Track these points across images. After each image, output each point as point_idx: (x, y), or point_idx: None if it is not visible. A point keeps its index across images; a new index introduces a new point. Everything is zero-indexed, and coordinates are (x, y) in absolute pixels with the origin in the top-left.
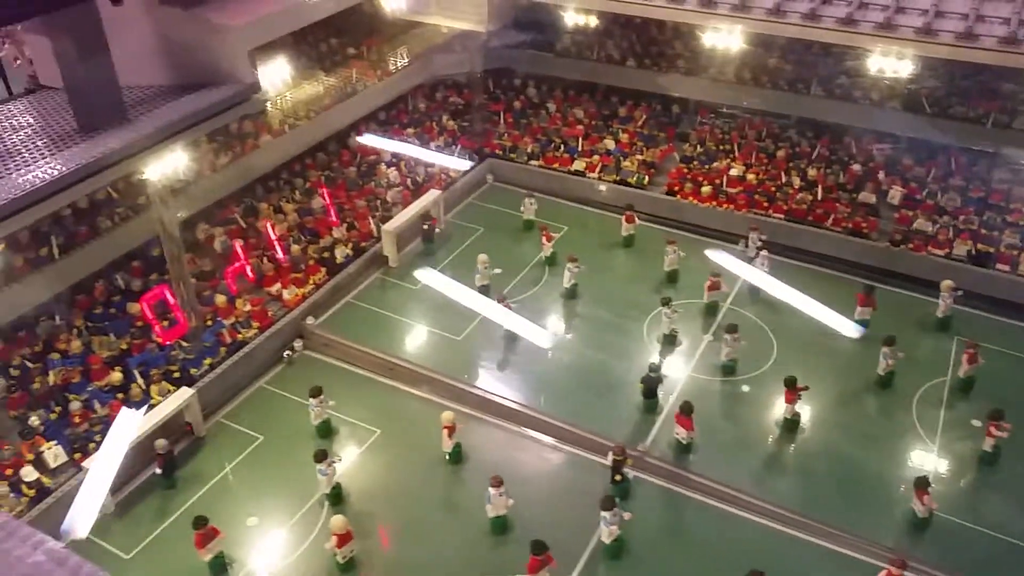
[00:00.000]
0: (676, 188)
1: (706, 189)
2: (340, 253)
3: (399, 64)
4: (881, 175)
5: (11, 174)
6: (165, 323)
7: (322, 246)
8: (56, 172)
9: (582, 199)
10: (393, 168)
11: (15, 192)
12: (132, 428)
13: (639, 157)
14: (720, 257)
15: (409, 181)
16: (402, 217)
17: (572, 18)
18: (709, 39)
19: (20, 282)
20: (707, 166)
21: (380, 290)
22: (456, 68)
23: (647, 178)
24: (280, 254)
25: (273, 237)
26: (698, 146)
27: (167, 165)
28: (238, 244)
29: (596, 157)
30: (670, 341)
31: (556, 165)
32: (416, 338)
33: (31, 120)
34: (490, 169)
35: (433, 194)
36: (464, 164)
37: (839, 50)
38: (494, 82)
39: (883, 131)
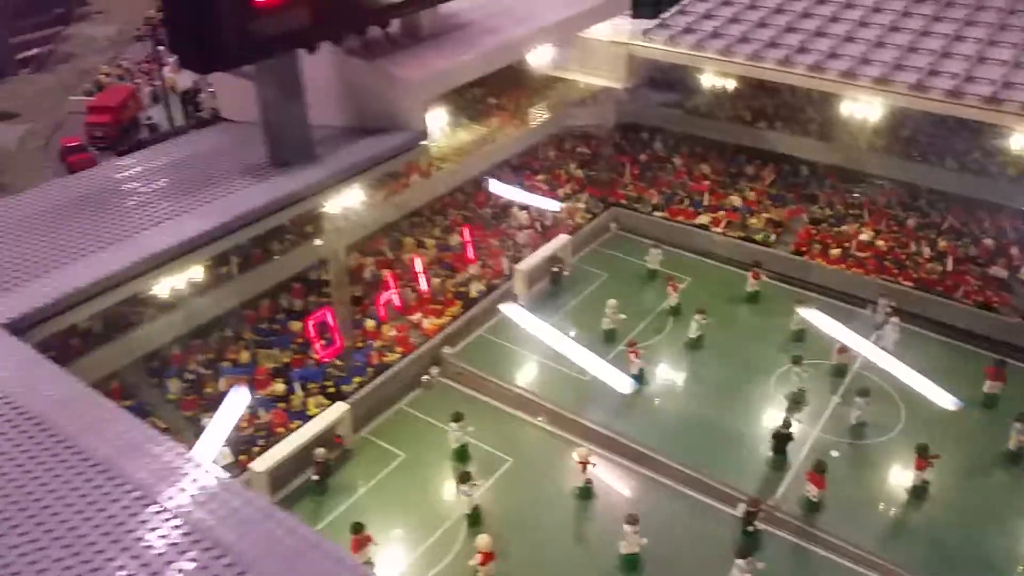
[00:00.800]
0: (804, 248)
1: (835, 251)
2: (474, 288)
3: (536, 115)
4: (1014, 251)
5: (215, 200)
6: (323, 342)
7: (458, 280)
8: (260, 202)
9: (705, 252)
10: (524, 211)
11: (225, 218)
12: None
13: (766, 215)
14: (811, 314)
15: (538, 225)
16: (533, 258)
17: (707, 79)
18: (847, 108)
19: (202, 295)
20: (836, 229)
21: (509, 326)
22: (588, 121)
23: (774, 236)
24: (423, 286)
25: (419, 269)
26: (827, 208)
27: (345, 200)
28: (388, 274)
29: (722, 212)
30: (798, 399)
31: (680, 218)
32: (543, 374)
33: (223, 151)
34: (614, 218)
35: (562, 239)
36: (555, 205)
37: (976, 125)
38: (622, 135)
39: (1018, 208)
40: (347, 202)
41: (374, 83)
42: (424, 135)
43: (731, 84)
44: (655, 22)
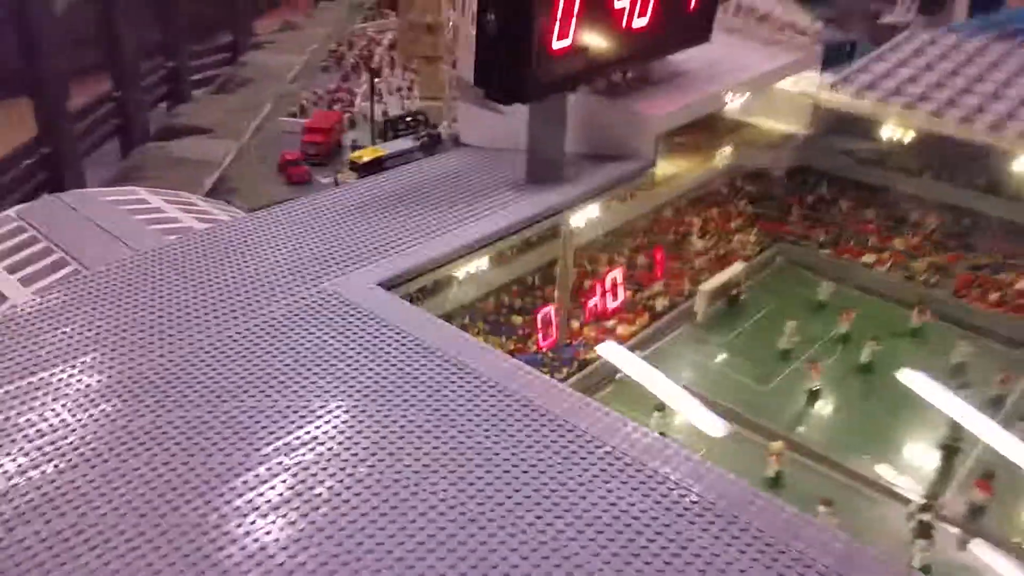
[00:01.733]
0: (963, 292)
1: (993, 296)
2: (660, 303)
3: (719, 155)
4: None
5: (495, 207)
6: (543, 334)
7: (646, 295)
8: (530, 212)
9: (867, 289)
10: (700, 240)
11: (509, 221)
12: None
13: (928, 259)
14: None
15: (713, 253)
16: (713, 281)
17: (882, 131)
18: (1016, 164)
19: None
20: (996, 275)
21: (689, 340)
22: (763, 163)
23: (936, 278)
24: (620, 296)
25: (619, 281)
26: (986, 256)
27: (578, 215)
28: (594, 282)
29: (886, 253)
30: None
31: (846, 256)
32: (723, 382)
33: (479, 169)
34: (779, 252)
35: (738, 265)
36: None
37: None
38: (792, 178)
39: None
40: (579, 217)
41: (615, 118)
42: (653, 163)
43: (901, 135)
44: (839, 77)
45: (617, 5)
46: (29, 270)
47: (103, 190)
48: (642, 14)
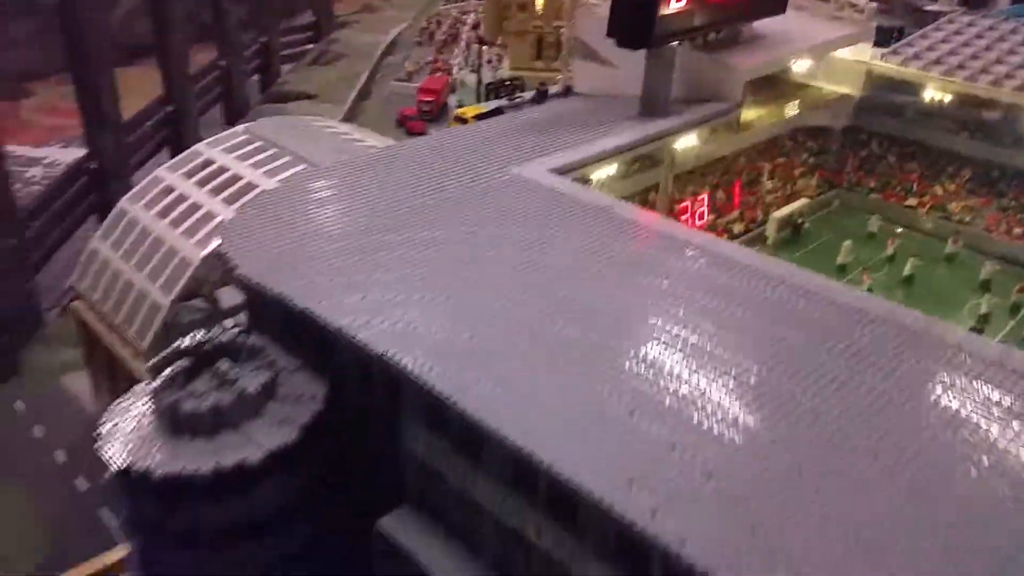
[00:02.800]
0: (991, 228)
1: (1017, 231)
2: (737, 228)
3: (786, 112)
4: None
5: (622, 130)
6: None
7: (727, 220)
8: (652, 131)
9: (911, 226)
10: (771, 181)
11: (636, 137)
12: None
13: (963, 202)
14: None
15: (781, 192)
16: (783, 211)
17: (926, 94)
18: None
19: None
20: (1019, 216)
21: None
22: (822, 121)
23: (969, 218)
24: (704, 218)
25: (705, 205)
26: (1012, 201)
27: (684, 143)
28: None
29: (927, 197)
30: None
31: (893, 200)
32: None
33: (596, 109)
34: (837, 196)
35: (803, 200)
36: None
37: None
38: (848, 134)
39: None
40: (680, 143)
41: (710, 68)
42: (739, 105)
43: (941, 99)
44: (889, 49)
45: None
46: (270, 166)
47: (302, 117)
48: None
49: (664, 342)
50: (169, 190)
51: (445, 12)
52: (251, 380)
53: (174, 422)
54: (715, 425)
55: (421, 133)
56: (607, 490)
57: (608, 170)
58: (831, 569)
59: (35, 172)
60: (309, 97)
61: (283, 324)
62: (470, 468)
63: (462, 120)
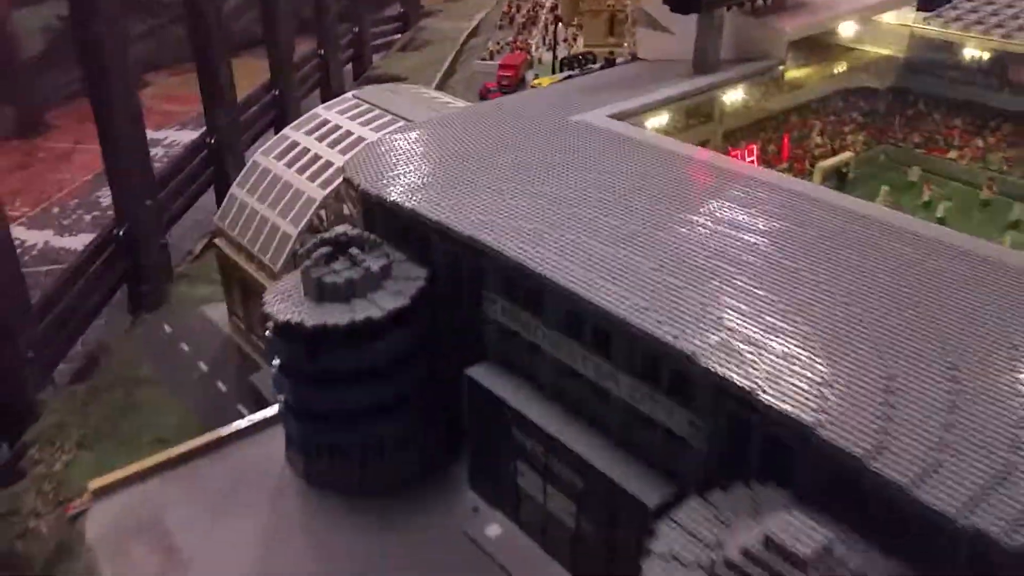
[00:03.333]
0: None
1: None
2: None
3: (834, 72)
4: None
5: (680, 82)
6: None
7: (776, 169)
8: (703, 83)
9: (952, 176)
10: (819, 137)
11: (689, 88)
12: None
13: (1001, 154)
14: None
15: (829, 147)
16: (829, 161)
17: (967, 53)
18: None
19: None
20: None
21: None
22: (868, 81)
23: (1007, 167)
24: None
25: (756, 154)
26: None
27: (733, 97)
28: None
29: (967, 149)
30: None
31: (936, 153)
32: None
33: (657, 69)
34: (883, 152)
35: (848, 154)
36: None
37: None
38: (895, 93)
39: None
40: (730, 96)
41: (756, 30)
42: (783, 62)
43: (981, 57)
44: (932, 13)
45: None
46: (375, 123)
47: (399, 85)
48: None
49: (691, 234)
50: (294, 145)
51: None
52: (374, 262)
53: (319, 291)
54: (719, 278)
55: None
56: (628, 313)
57: (661, 119)
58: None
59: (156, 151)
60: (401, 79)
61: (393, 227)
62: (534, 322)
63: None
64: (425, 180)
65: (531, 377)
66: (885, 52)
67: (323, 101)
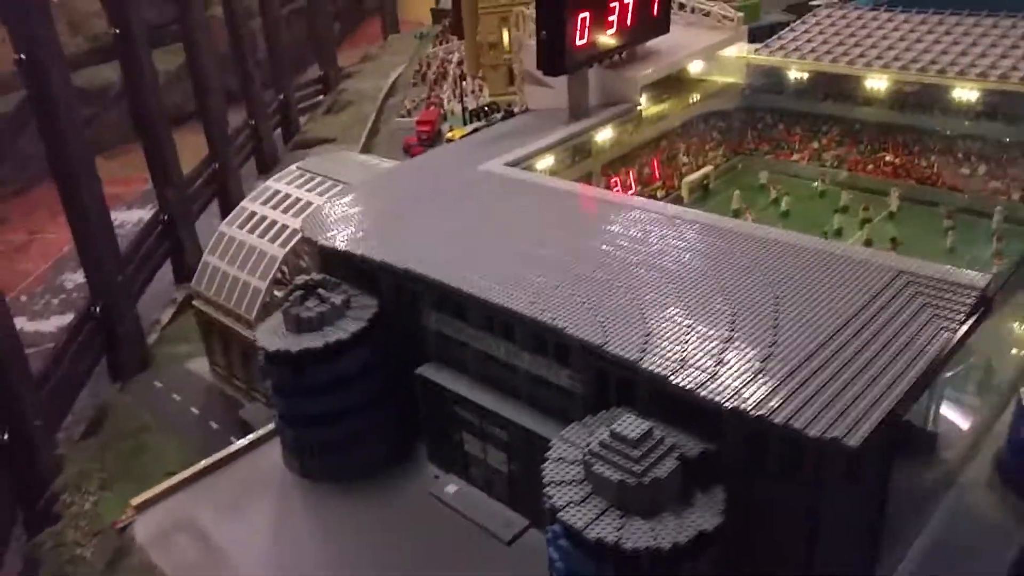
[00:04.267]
0: (851, 168)
1: (870, 167)
2: (659, 194)
3: (690, 102)
4: None
5: (559, 129)
6: None
7: (651, 188)
8: (576, 129)
9: (795, 175)
10: (686, 156)
11: (565, 134)
12: None
13: (832, 152)
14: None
15: (694, 163)
16: (693, 176)
17: (793, 75)
18: (883, 87)
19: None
20: (874, 155)
21: None
22: (721, 106)
23: (836, 162)
24: (633, 188)
25: (633, 179)
26: (868, 146)
27: (605, 136)
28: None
29: (805, 152)
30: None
31: (782, 157)
32: None
33: (544, 118)
34: (740, 161)
35: (708, 168)
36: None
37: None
38: (744, 113)
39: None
40: (601, 135)
41: (615, 79)
42: (638, 105)
43: (806, 78)
44: (762, 45)
45: (610, 19)
46: (319, 189)
47: (337, 153)
48: (623, 23)
49: (567, 250)
50: (252, 215)
51: (433, 54)
52: (337, 298)
53: (298, 324)
54: (587, 277)
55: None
56: (522, 307)
57: (548, 161)
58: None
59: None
60: (330, 141)
61: (346, 270)
62: (460, 325)
63: (451, 141)
64: (366, 231)
65: (463, 367)
66: (730, 80)
67: (258, 168)
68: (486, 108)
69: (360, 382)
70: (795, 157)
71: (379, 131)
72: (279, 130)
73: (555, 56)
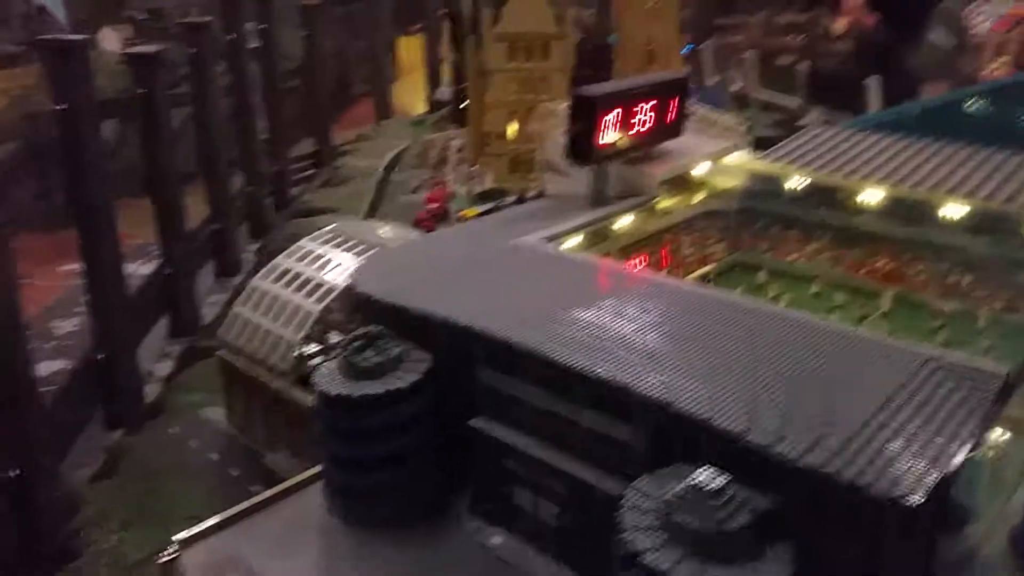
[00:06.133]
0: (852, 271)
1: (863, 271)
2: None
3: (694, 200)
4: None
5: (570, 219)
6: None
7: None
8: (600, 214)
9: (790, 274)
10: (688, 249)
11: (590, 218)
12: None
13: (828, 253)
14: None
15: (695, 256)
16: (695, 273)
17: (792, 183)
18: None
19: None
20: (871, 259)
21: None
22: (720, 206)
23: (833, 265)
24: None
25: (644, 264)
26: (862, 250)
27: (625, 221)
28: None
29: (803, 251)
30: None
31: (778, 256)
32: None
33: (564, 204)
34: (739, 257)
35: (711, 265)
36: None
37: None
38: (740, 215)
39: None
40: (619, 223)
41: (634, 174)
42: (656, 196)
43: (806, 185)
44: (764, 153)
45: (631, 121)
46: (355, 250)
47: (366, 221)
48: (644, 128)
49: (613, 314)
50: (287, 271)
51: (433, 140)
52: (393, 350)
53: (357, 372)
54: (634, 346)
55: (430, 229)
56: (583, 365)
57: (575, 240)
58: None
59: None
60: (331, 211)
61: (394, 323)
62: (515, 381)
63: (464, 219)
64: (416, 287)
65: (517, 421)
66: (731, 183)
67: (251, 233)
68: (495, 192)
69: (412, 431)
70: (791, 257)
71: (381, 205)
72: (269, 199)
73: (585, 149)
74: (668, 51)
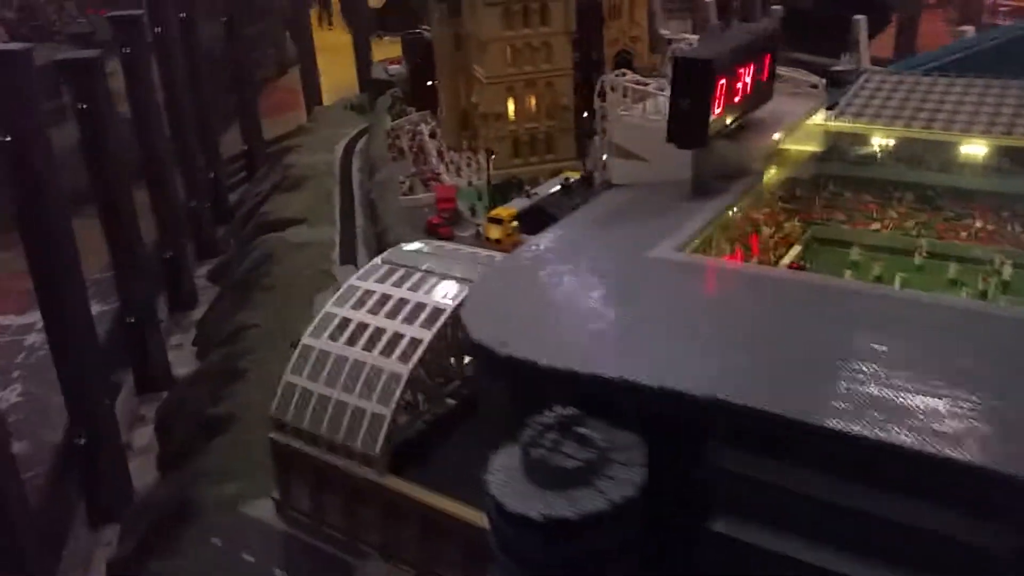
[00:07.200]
0: (944, 236)
1: (963, 234)
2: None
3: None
4: None
5: (695, 205)
6: None
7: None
8: (712, 211)
9: (879, 246)
10: (765, 227)
11: (711, 214)
12: None
13: (914, 219)
14: None
15: (778, 235)
16: (785, 259)
17: (869, 141)
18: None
19: None
20: (959, 221)
21: None
22: (794, 174)
23: (920, 230)
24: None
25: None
26: (951, 212)
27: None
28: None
29: (886, 220)
30: None
31: (859, 227)
32: None
33: (649, 194)
34: (814, 232)
35: (797, 248)
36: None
37: None
38: (816, 179)
39: None
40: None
41: (734, 150)
42: (762, 175)
43: (878, 143)
44: (835, 112)
45: (736, 87)
46: (425, 286)
47: (415, 243)
48: (746, 90)
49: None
50: (346, 322)
51: (398, 126)
52: (598, 439)
53: (552, 475)
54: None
55: (449, 236)
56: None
57: (696, 242)
58: None
59: (34, 339)
60: (298, 222)
61: (549, 392)
62: (780, 465)
63: (497, 220)
64: (571, 337)
65: (784, 520)
66: (809, 148)
67: (198, 254)
68: (513, 182)
69: (632, 546)
70: (875, 226)
71: (377, 211)
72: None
73: (697, 128)
74: None
